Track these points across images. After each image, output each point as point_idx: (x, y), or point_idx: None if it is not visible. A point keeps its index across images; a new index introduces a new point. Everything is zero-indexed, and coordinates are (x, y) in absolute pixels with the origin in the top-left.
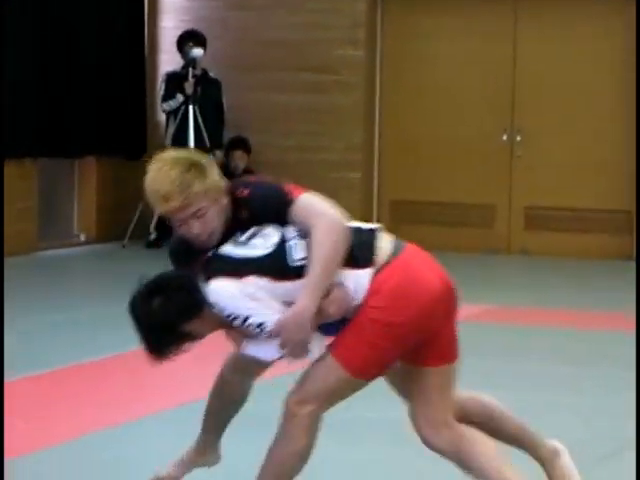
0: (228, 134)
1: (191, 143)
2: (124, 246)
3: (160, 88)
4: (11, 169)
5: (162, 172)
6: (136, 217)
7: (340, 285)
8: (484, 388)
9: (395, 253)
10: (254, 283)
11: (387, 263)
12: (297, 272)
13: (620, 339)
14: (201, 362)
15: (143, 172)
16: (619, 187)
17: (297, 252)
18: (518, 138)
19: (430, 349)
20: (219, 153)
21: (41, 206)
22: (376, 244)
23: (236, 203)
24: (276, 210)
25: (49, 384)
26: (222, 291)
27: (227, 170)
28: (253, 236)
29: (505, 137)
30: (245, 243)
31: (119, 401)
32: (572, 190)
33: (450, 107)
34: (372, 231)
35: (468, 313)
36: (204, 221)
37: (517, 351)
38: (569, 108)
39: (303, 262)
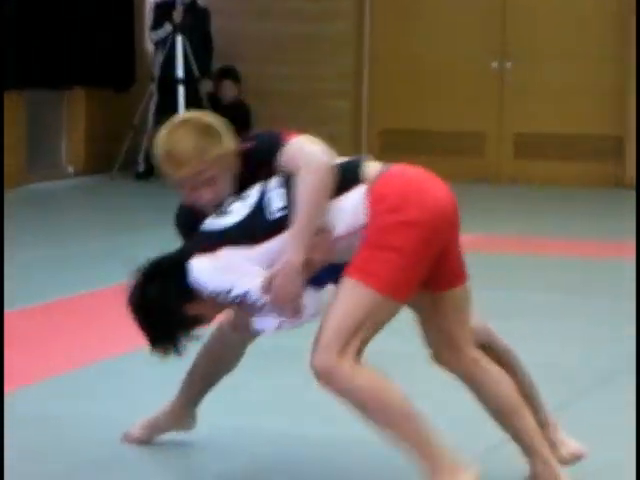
0: (217, 63)
1: (179, 73)
2: (112, 178)
3: (148, 18)
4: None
5: (176, 135)
6: (125, 149)
7: (322, 231)
8: (481, 314)
9: (386, 167)
10: (227, 254)
11: (380, 174)
12: (276, 226)
13: (611, 267)
14: None
15: (132, 103)
16: (610, 113)
17: (276, 202)
18: (508, 65)
19: (442, 270)
20: (208, 82)
21: (30, 139)
22: (363, 165)
23: (240, 160)
24: (267, 158)
25: (41, 318)
26: (197, 269)
27: (216, 99)
28: (235, 201)
29: (495, 64)
30: (224, 211)
31: (113, 333)
32: (563, 117)
33: (440, 35)
34: (358, 158)
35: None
36: (216, 188)
37: (505, 279)
38: (560, 35)
39: (283, 212)
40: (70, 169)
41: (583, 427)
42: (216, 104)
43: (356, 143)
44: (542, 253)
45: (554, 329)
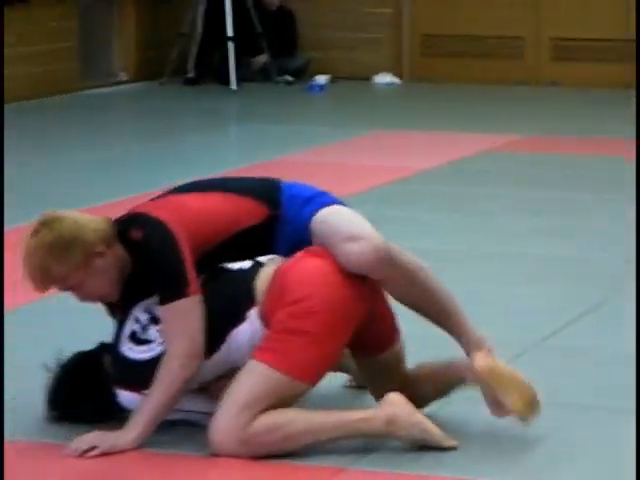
0: None
1: None
2: (162, 83)
3: None
4: (52, 9)
5: (27, 256)
6: (174, 55)
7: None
8: (514, 215)
9: (286, 262)
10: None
11: (277, 271)
12: None
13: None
14: None
15: (180, 11)
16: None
17: None
18: None
19: (371, 337)
20: None
21: (82, 46)
22: (254, 283)
23: (130, 247)
24: (159, 285)
25: None
26: (125, 399)
27: (261, 7)
28: (151, 321)
29: None
30: (141, 338)
31: None
32: (598, 21)
33: None
34: (249, 271)
35: (498, 143)
36: (84, 291)
37: (545, 178)
38: None
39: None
40: (122, 75)
41: (623, 321)
42: (261, 11)
43: (397, 48)
44: (577, 152)
45: (585, 226)
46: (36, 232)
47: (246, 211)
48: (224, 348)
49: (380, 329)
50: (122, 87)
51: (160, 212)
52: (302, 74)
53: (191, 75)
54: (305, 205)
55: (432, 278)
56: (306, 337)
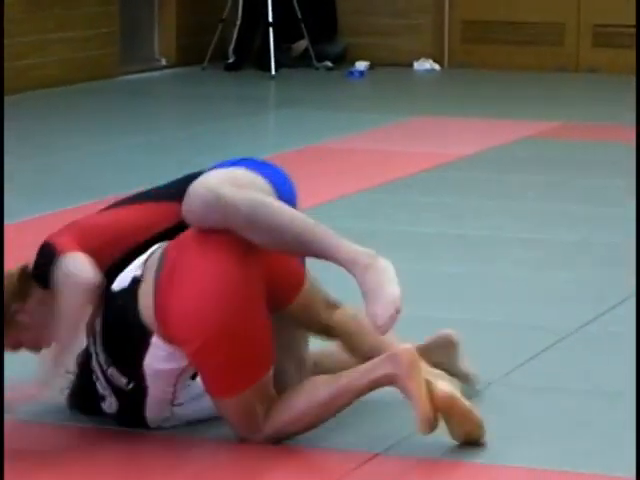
0: None
1: None
2: (203, 69)
3: None
4: None
5: None
6: (215, 40)
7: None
8: (553, 202)
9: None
10: None
11: (156, 302)
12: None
13: None
14: None
15: None
16: None
17: (120, 378)
18: None
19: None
20: None
21: (123, 31)
22: (139, 311)
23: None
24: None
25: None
26: None
27: None
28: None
29: None
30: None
31: None
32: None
33: None
34: (129, 297)
35: (538, 130)
36: (30, 346)
37: (585, 165)
38: None
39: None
40: (162, 60)
41: None
42: None
43: (438, 34)
44: (613, 140)
45: (621, 213)
46: None
47: (161, 216)
48: (150, 380)
49: (278, 282)
50: (163, 72)
51: (61, 239)
52: (341, 60)
53: (231, 61)
54: None
55: (277, 211)
56: (230, 360)
